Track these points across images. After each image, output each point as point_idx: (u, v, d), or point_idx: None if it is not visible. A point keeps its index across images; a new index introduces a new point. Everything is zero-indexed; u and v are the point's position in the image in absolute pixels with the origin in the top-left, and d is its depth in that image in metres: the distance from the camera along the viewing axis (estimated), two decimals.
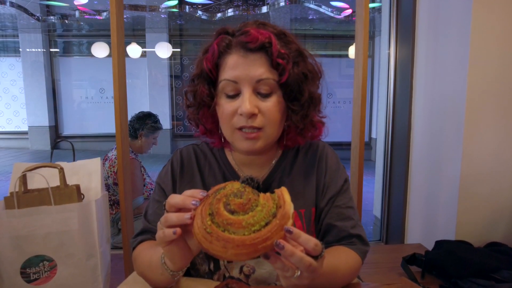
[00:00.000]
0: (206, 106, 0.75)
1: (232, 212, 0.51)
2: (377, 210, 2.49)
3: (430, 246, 1.43)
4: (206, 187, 0.81)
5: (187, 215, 0.53)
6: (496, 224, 1.48)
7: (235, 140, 0.74)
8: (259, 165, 0.82)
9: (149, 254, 0.72)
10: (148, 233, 0.81)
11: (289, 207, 0.52)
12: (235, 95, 0.71)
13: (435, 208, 1.68)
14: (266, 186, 0.81)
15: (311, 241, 0.51)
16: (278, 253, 0.50)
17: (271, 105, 0.70)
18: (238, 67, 0.69)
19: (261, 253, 0.49)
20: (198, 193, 0.56)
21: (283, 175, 0.82)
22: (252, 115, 0.69)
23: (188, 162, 0.85)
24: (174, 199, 0.56)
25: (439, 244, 1.36)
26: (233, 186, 0.55)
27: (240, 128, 0.71)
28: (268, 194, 0.54)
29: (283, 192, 0.54)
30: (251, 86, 0.69)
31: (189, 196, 0.56)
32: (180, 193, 0.78)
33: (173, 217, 0.54)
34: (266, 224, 0.49)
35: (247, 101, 0.68)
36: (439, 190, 1.64)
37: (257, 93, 0.70)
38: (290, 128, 0.76)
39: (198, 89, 0.74)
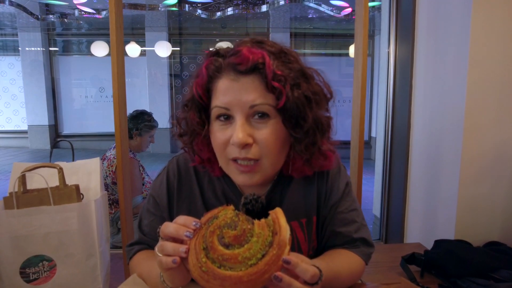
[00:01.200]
0: (199, 134, 0.69)
1: (227, 245, 0.50)
2: (376, 209, 2.49)
3: (429, 245, 1.43)
4: (205, 203, 0.78)
5: (182, 248, 0.52)
6: (495, 224, 1.48)
7: (230, 172, 0.68)
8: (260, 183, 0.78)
9: (147, 266, 0.71)
10: (144, 243, 0.80)
11: (285, 232, 0.50)
12: (229, 118, 0.64)
13: (434, 207, 1.68)
14: (268, 200, 0.77)
15: (308, 272, 0.51)
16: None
17: (268, 133, 0.63)
18: (229, 92, 0.63)
19: (260, 287, 0.49)
20: (190, 222, 0.53)
21: (284, 187, 0.78)
22: (245, 146, 0.62)
23: (186, 173, 0.78)
24: (168, 228, 0.54)
25: (438, 243, 1.36)
26: (226, 214, 0.53)
27: (235, 159, 0.65)
28: (263, 220, 0.52)
29: (278, 215, 0.52)
30: (244, 113, 0.62)
31: (182, 225, 0.54)
32: (177, 209, 0.78)
33: (169, 248, 0.53)
34: (263, 256, 0.48)
35: (239, 130, 0.61)
36: (439, 189, 1.64)
37: (252, 119, 0.64)
38: (296, 157, 0.69)
39: (189, 116, 0.69)
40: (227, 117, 0.64)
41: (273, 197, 0.78)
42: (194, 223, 0.53)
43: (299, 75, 0.65)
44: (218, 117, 0.65)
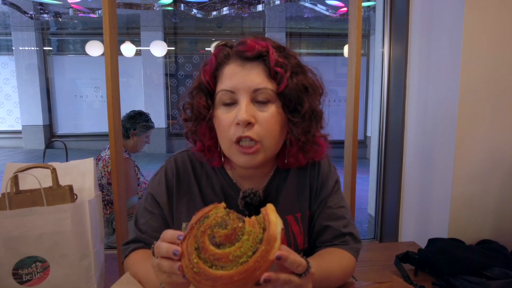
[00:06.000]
0: (203, 119, 0.73)
1: (218, 245, 0.49)
2: (371, 209, 2.50)
3: (423, 244, 1.44)
4: (204, 199, 0.80)
5: (176, 265, 0.50)
6: (487, 222, 1.50)
7: (232, 154, 0.71)
8: (257, 177, 0.81)
9: (145, 268, 0.71)
10: (140, 242, 0.80)
11: (275, 227, 0.50)
12: (232, 103, 0.70)
13: (428, 206, 1.69)
14: (265, 194, 0.80)
15: (295, 263, 0.52)
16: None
17: (268, 115, 0.69)
18: (235, 76, 0.69)
19: (251, 284, 0.48)
20: (175, 237, 0.52)
21: (280, 183, 0.82)
22: (248, 124, 0.67)
23: (184, 172, 0.81)
24: (160, 250, 0.53)
25: (432, 242, 1.38)
26: (217, 213, 0.53)
27: (238, 141, 0.69)
28: (253, 218, 0.52)
29: (268, 211, 0.52)
30: (248, 95, 0.68)
31: (170, 242, 0.52)
32: (177, 206, 0.80)
33: (165, 266, 0.52)
34: (254, 253, 0.48)
35: (244, 109, 0.67)
36: (432, 188, 1.65)
37: (255, 103, 0.69)
38: (292, 143, 0.74)
39: (195, 101, 0.73)
40: (231, 104, 0.70)
41: (270, 192, 0.81)
42: (178, 236, 0.52)
43: (297, 66, 0.72)
44: (223, 103, 0.70)
